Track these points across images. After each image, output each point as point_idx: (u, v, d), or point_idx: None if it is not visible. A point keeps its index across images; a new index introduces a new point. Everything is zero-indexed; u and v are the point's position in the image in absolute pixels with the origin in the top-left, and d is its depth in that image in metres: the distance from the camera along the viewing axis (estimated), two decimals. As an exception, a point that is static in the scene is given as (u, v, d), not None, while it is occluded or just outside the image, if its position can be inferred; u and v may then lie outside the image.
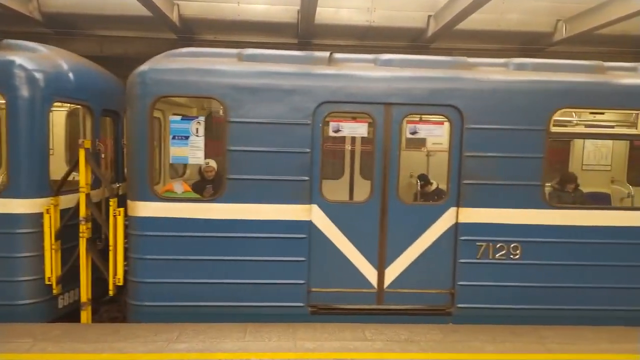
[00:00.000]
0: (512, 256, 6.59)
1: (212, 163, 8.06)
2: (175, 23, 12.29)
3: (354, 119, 7.03)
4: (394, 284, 6.66)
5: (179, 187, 7.02)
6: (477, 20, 12.24)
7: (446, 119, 6.57)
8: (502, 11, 12.66)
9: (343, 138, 9.91)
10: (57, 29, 12.71)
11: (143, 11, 11.20)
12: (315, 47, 13.20)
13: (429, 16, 12.72)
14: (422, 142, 9.37)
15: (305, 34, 13.16)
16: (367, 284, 6.65)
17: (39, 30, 12.61)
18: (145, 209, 6.29)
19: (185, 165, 9.37)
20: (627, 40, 13.01)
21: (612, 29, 11.89)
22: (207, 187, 7.99)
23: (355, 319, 6.57)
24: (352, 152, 10.09)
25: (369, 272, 6.64)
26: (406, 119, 6.57)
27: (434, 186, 8.87)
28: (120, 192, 7.37)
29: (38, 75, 6.18)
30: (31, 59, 6.26)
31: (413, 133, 6.69)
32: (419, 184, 8.86)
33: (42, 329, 6.06)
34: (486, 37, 13.47)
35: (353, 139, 9.95)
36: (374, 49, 11.81)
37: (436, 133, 6.82)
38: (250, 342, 5.85)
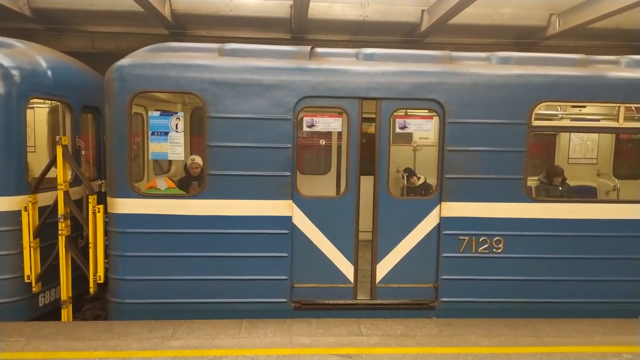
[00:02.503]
0: (495, 250, 6.55)
1: (198, 159, 7.98)
2: (167, 18, 12.23)
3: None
4: (380, 279, 6.64)
5: (162, 183, 6.96)
6: (470, 15, 12.18)
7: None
8: (495, 5, 12.60)
9: (330, 133, 9.86)
10: (48, 25, 12.66)
11: (134, 6, 11.15)
12: (308, 42, 13.13)
13: (423, 10, 12.64)
14: (408, 137, 9.31)
15: (298, 29, 13.10)
16: (348, 280, 6.63)
17: (28, 27, 12.56)
18: (124, 205, 6.25)
19: (170, 162, 9.32)
20: (620, 34, 12.93)
21: (605, 22, 11.82)
22: (192, 183, 7.91)
23: (339, 314, 6.54)
24: (339, 147, 10.02)
25: (351, 269, 6.61)
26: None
27: (421, 180, 8.83)
28: (103, 189, 7.32)
29: (14, 72, 6.10)
30: (7, 55, 6.18)
31: (402, 128, 6.63)
32: (405, 177, 8.81)
33: (34, 327, 6.02)
34: (480, 32, 13.39)
35: (339, 133, 9.89)
36: (368, 43, 11.75)
37: (425, 128, 6.73)
38: (245, 339, 5.82)
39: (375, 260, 6.63)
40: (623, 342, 5.92)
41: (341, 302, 6.65)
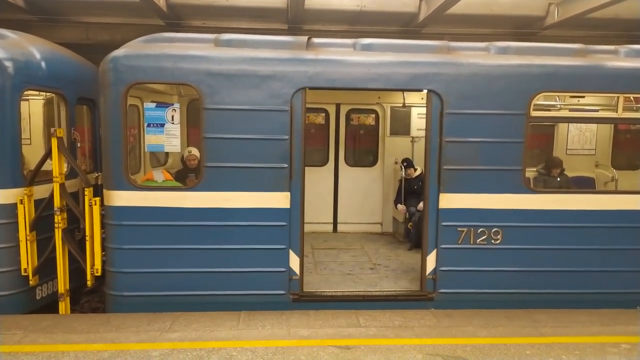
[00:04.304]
0: (493, 241, 6.53)
1: (195, 151, 7.93)
2: (162, 9, 12.15)
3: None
4: (430, 271, 6.65)
5: (159, 175, 6.92)
6: (469, 4, 12.15)
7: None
8: (494, -5, 12.56)
9: (327, 125, 9.86)
10: (41, 16, 12.56)
11: (130, -3, 11.11)
12: (305, 33, 13.06)
13: (421, 0, 12.57)
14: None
15: (295, 19, 13.06)
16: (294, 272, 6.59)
17: (22, 17, 12.47)
18: (121, 198, 6.20)
19: (167, 154, 9.27)
20: (619, 23, 12.91)
21: (604, 12, 11.79)
22: (189, 176, 7.86)
23: (339, 306, 6.52)
24: (337, 140, 10.01)
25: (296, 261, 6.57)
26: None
27: (417, 172, 8.82)
28: (99, 182, 7.28)
29: (7, 63, 6.02)
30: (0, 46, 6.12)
31: None
32: (403, 168, 8.79)
33: (31, 320, 5.99)
34: (478, 22, 13.36)
35: (337, 125, 9.87)
36: (366, 34, 11.69)
37: None
38: (243, 330, 5.79)
39: (425, 252, 6.61)
40: (621, 332, 5.92)
41: (342, 293, 6.66)
